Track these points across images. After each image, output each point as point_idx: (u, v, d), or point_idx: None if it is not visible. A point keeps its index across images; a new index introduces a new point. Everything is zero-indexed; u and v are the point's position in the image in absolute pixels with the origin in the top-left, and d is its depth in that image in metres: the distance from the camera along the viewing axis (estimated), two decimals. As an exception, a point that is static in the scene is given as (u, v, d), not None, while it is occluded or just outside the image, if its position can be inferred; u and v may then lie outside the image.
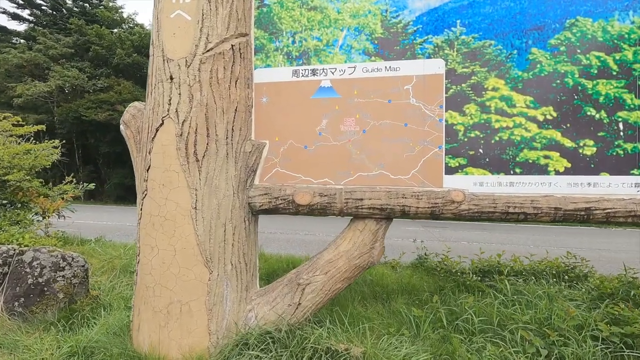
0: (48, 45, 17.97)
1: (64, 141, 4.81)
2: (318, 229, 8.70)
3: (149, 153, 2.43)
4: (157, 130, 2.40)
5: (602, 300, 2.97)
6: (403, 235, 8.13)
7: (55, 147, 4.50)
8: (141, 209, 2.49)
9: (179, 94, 2.36)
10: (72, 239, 4.82)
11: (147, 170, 2.44)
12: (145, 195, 2.45)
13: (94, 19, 19.80)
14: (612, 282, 3.19)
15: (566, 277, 3.50)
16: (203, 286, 2.37)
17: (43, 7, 21.26)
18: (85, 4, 21.23)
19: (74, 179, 4.81)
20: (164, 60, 2.40)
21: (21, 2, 20.64)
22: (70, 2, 21.23)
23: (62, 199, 4.42)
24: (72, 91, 18.05)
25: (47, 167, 4.46)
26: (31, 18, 21.47)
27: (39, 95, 16.02)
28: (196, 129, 2.36)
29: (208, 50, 2.38)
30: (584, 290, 3.16)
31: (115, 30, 20.01)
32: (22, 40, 20.72)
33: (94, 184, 4.76)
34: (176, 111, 2.36)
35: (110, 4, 21.24)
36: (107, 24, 19.29)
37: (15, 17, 21.28)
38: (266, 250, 5.77)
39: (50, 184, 4.71)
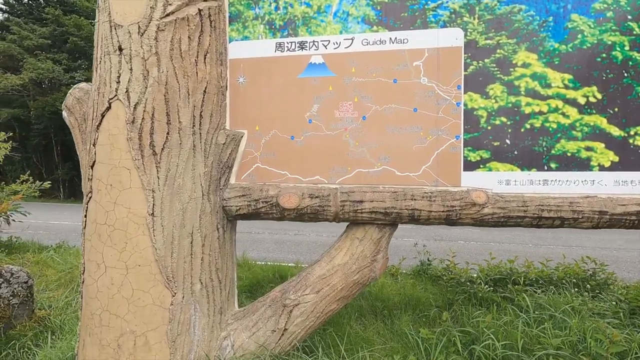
0: (23, 35, 17.00)
1: (10, 134, 4.22)
2: (309, 228, 8.24)
3: (94, 145, 1.92)
4: (102, 116, 1.90)
5: (635, 314, 2.58)
6: (395, 234, 7.70)
7: (5, 142, 3.92)
8: (85, 216, 1.98)
9: (130, 69, 1.86)
10: (28, 246, 4.25)
11: (92, 166, 1.93)
12: (90, 198, 1.95)
13: (72, 9, 18.83)
14: (642, 291, 2.81)
15: (588, 285, 3.11)
16: (164, 312, 1.88)
17: (18, -4, 20.18)
18: (63, -7, 20.21)
19: (31, 177, 4.24)
20: (111, 26, 1.89)
21: (-6, -10, 19.54)
22: (47, -9, 20.18)
23: (11, 200, 3.85)
24: (49, 84, 17.15)
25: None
26: (5, 7, 20.36)
27: (12, 88, 15.10)
28: (153, 114, 1.86)
29: (168, 15, 1.88)
30: (612, 302, 2.77)
31: (95, 20, 19.09)
32: (-5, 31, 19.63)
33: (49, 182, 4.20)
34: (127, 91, 1.86)
35: (90, -7, 20.25)
36: (86, 15, 18.35)
37: (-13, 6, 20.14)
38: (251, 254, 5.28)
39: (3, 183, 4.13)
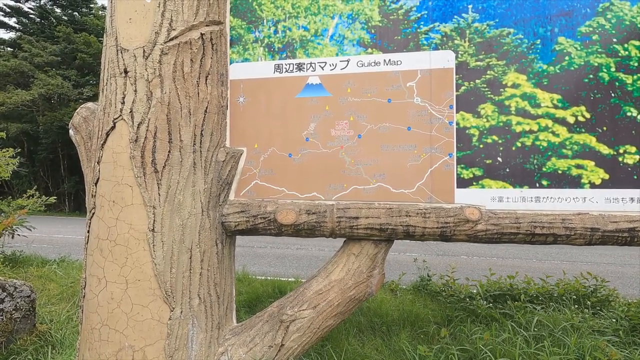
0: (33, 53, 17.52)
1: (19, 149, 4.33)
2: (311, 243, 8.24)
3: (98, 163, 1.99)
4: (107, 135, 1.97)
5: (636, 332, 2.56)
6: (398, 249, 7.68)
7: (13, 157, 4.03)
8: (88, 231, 2.04)
9: (135, 90, 1.94)
10: (32, 260, 4.30)
11: (96, 183, 2.00)
12: (93, 214, 2.01)
13: (82, 28, 19.42)
14: (643, 308, 2.79)
15: (588, 302, 3.09)
16: (162, 327, 1.91)
17: (31, 15, 20.88)
18: (74, 13, 20.89)
19: (37, 192, 4.33)
20: (117, 50, 1.99)
21: (8, 10, 20.25)
22: (58, 11, 20.88)
23: (17, 214, 3.93)
24: (58, 100, 17.54)
25: (6, 179, 3.97)
26: (18, 26, 21.05)
27: (22, 103, 15.46)
28: (155, 134, 1.93)
29: (171, 39, 1.97)
30: (612, 319, 2.75)
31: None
32: (8, 48, 20.25)
33: (55, 198, 4.28)
34: (131, 112, 1.94)
35: (100, 12, 20.91)
36: (95, 32, 18.90)
37: (1, 25, 20.85)
38: (252, 268, 5.30)
39: (10, 197, 4.22)
